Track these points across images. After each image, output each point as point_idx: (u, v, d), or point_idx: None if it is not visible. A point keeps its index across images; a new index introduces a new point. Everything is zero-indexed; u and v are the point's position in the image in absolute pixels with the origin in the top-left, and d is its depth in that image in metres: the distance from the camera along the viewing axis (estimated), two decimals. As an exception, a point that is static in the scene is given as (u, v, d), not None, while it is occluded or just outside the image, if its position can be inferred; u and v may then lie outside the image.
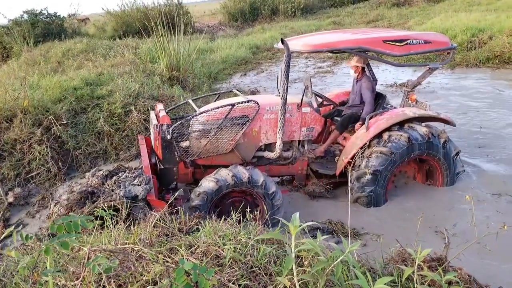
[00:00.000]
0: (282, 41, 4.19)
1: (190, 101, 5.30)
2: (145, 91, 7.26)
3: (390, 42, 4.35)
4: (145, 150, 4.60)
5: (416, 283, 2.07)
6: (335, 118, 5.21)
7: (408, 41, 4.40)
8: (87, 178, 4.34)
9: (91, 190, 3.86)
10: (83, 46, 13.89)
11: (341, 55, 13.83)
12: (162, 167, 4.49)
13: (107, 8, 23.41)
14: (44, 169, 5.85)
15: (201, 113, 4.46)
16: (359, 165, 4.52)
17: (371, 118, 4.68)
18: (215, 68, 13.16)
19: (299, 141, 4.96)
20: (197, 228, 3.16)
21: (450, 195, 4.76)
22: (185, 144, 4.50)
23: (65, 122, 6.43)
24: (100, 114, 6.64)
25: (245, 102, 4.52)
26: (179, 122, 4.43)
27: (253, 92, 10.54)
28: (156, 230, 3.03)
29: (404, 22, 19.56)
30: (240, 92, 5.29)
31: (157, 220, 3.15)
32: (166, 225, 3.15)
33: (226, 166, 4.39)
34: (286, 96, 4.32)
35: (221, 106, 4.46)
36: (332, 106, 5.46)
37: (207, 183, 4.13)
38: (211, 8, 36.38)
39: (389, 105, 5.41)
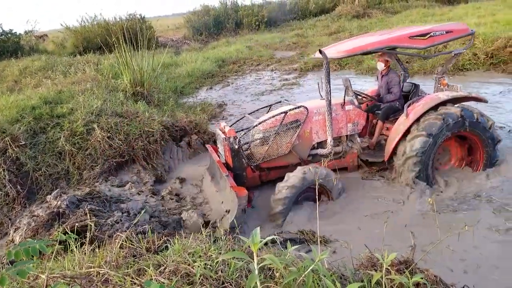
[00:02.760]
0: (320, 51, 4.78)
1: (247, 115, 5.93)
2: (108, 108, 7.04)
3: (416, 37, 4.82)
4: (216, 156, 5.40)
5: (385, 287, 2.09)
6: (376, 111, 5.66)
7: (431, 34, 4.85)
8: (49, 201, 4.19)
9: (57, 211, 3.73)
10: (42, 63, 13.42)
11: (306, 67, 14.18)
12: (234, 173, 4.96)
13: (66, 24, 22.79)
14: (1, 194, 5.53)
15: (260, 123, 5.15)
16: (404, 151, 4.93)
17: (409, 106, 5.13)
18: (180, 82, 13.07)
19: (347, 136, 5.57)
20: (166, 247, 3.08)
21: (416, 199, 4.86)
22: (249, 151, 5.18)
23: (23, 143, 6.13)
24: (61, 133, 6.37)
25: (295, 108, 5.16)
26: (243, 133, 5.24)
27: (220, 106, 10.52)
28: (123, 251, 2.93)
29: (364, 33, 20.27)
30: (288, 102, 5.91)
31: (123, 241, 3.05)
32: (133, 245, 3.04)
33: (286, 167, 5.16)
34: (330, 97, 4.94)
35: (276, 115, 5.11)
36: (371, 101, 5.86)
37: (294, 178, 4.63)
38: (175, 23, 36.32)
39: (425, 94, 5.78)
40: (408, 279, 2.13)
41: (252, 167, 5.22)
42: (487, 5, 22.92)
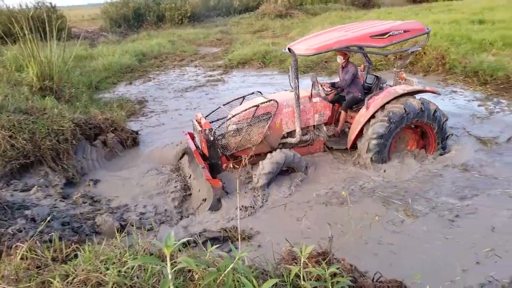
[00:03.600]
0: (289, 49, 5.21)
1: (222, 106, 6.11)
2: (10, 104, 6.28)
3: (376, 37, 5.15)
4: (193, 143, 5.79)
5: (304, 280, 2.12)
6: (342, 102, 6.13)
7: (390, 33, 5.19)
8: None
9: None
10: None
11: (230, 64, 14.20)
12: (209, 162, 5.34)
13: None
14: None
15: (233, 115, 5.46)
16: (366, 133, 5.47)
17: (369, 98, 5.61)
18: (96, 76, 12.21)
19: (314, 125, 6.00)
20: (75, 255, 2.82)
21: (330, 193, 5.12)
22: (224, 141, 5.51)
23: None
24: (-51, 132, 5.53)
25: (267, 101, 5.52)
26: (218, 125, 5.60)
27: (141, 102, 10.04)
28: (25, 263, 2.62)
29: (287, 32, 20.88)
30: (261, 93, 6.15)
31: (25, 251, 2.73)
32: (37, 255, 2.73)
33: (258, 155, 5.52)
34: (299, 91, 5.37)
35: (249, 108, 5.45)
36: (335, 92, 6.31)
37: (278, 156, 5.19)
38: (91, 13, 34.00)
39: (385, 84, 6.20)
40: (325, 270, 2.18)
41: (226, 156, 5.56)
42: (397, 10, 25.08)
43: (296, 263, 2.43)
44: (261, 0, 33.73)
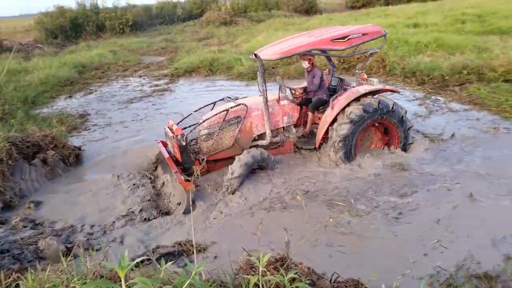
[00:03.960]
0: (255, 55, 5.46)
1: (193, 112, 6.29)
2: None
3: (337, 40, 5.38)
4: (165, 151, 5.76)
5: (263, 288, 2.11)
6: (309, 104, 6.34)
7: (350, 36, 5.43)
8: None
9: None
10: None
11: (177, 72, 13.99)
12: (182, 167, 5.39)
13: None
14: None
15: (204, 121, 5.59)
16: (332, 136, 5.73)
17: (334, 99, 5.85)
18: (32, 91, 11.43)
19: (283, 127, 6.20)
20: (17, 285, 2.60)
21: (287, 197, 5.14)
22: (196, 146, 5.67)
23: None
24: None
25: (236, 106, 5.68)
26: (189, 131, 5.71)
27: (82, 116, 9.56)
28: (-43, 301, 2.37)
29: (233, 40, 20.98)
30: (231, 99, 6.32)
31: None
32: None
33: (231, 158, 5.58)
34: (267, 95, 5.65)
35: (219, 113, 5.60)
36: (304, 95, 6.51)
37: (245, 157, 5.35)
38: (24, 24, 31.94)
39: (350, 86, 6.43)
40: (284, 277, 2.18)
41: (199, 160, 5.56)
42: (338, 16, 26.20)
43: (254, 272, 2.41)
44: (204, 7, 33.72)
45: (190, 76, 13.71)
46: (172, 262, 2.69)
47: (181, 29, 27.94)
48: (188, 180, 4.89)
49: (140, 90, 12.16)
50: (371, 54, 6.15)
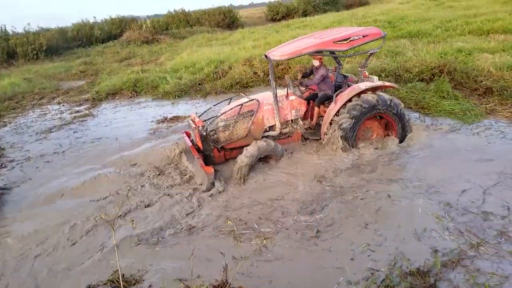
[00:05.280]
0: (266, 56, 6.30)
1: (212, 107, 7.40)
2: None
3: (339, 42, 5.87)
4: (189, 140, 6.84)
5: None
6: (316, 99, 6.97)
7: (351, 38, 5.91)
8: None
9: None
10: None
11: (98, 96, 13.43)
12: (203, 154, 6.34)
13: None
14: None
15: (222, 114, 6.51)
16: (334, 128, 6.35)
17: (337, 95, 6.40)
18: None
19: (292, 120, 6.95)
20: None
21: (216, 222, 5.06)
22: (215, 136, 6.49)
23: None
24: None
25: (249, 101, 6.56)
26: (209, 123, 6.57)
27: (-4, 151, 8.82)
28: None
29: (156, 58, 20.69)
30: (245, 95, 7.14)
31: None
32: None
33: (246, 146, 6.25)
34: (276, 91, 6.44)
35: (234, 107, 6.48)
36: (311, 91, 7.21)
37: (252, 148, 6.11)
38: None
39: (354, 82, 6.85)
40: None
41: (218, 148, 6.50)
42: (260, 29, 26.97)
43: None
44: (124, 27, 32.84)
45: (113, 99, 13.25)
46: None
47: (100, 51, 26.85)
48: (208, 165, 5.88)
49: (60, 118, 11.51)
50: (371, 54, 6.60)
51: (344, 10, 34.22)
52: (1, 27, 26.78)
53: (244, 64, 13.38)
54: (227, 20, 35.38)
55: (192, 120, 6.68)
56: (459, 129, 7.08)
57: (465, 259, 3.77)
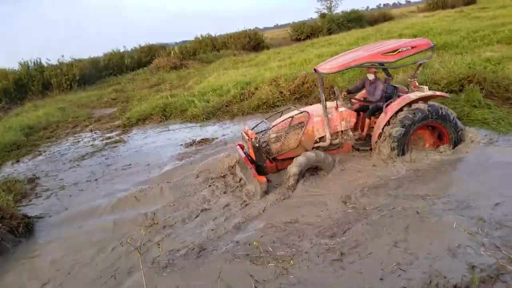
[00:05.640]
0: (315, 70, 6.47)
1: (264, 120, 7.69)
2: None
3: (387, 54, 5.94)
4: (242, 152, 7.07)
5: None
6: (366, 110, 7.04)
7: (399, 49, 5.96)
8: None
9: None
10: None
11: (129, 122, 13.67)
12: (256, 165, 6.54)
13: None
14: None
15: (273, 126, 6.82)
16: (385, 137, 6.31)
17: (387, 105, 6.43)
18: (-26, 162, 10.73)
19: (342, 131, 6.94)
20: None
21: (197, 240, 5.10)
22: (267, 147, 6.66)
23: None
24: None
25: (300, 113, 6.77)
26: (261, 135, 6.77)
27: (32, 180, 9.02)
28: None
29: (185, 83, 21.05)
30: (295, 107, 7.55)
31: None
32: None
33: (296, 156, 6.36)
34: (325, 103, 6.50)
35: (285, 119, 6.78)
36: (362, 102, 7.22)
37: (301, 159, 6.22)
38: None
39: (404, 93, 6.81)
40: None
41: (270, 159, 6.71)
42: (285, 49, 27.12)
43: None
44: (153, 54, 33.88)
45: (144, 124, 13.45)
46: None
47: (131, 78, 27.71)
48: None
49: (92, 145, 11.73)
50: (420, 64, 6.60)
51: (368, 27, 33.96)
52: (36, 60, 28.20)
53: (270, 84, 13.33)
54: (253, 42, 35.81)
55: (245, 133, 6.93)
56: (497, 141, 6.60)
57: (505, 274, 3.51)
